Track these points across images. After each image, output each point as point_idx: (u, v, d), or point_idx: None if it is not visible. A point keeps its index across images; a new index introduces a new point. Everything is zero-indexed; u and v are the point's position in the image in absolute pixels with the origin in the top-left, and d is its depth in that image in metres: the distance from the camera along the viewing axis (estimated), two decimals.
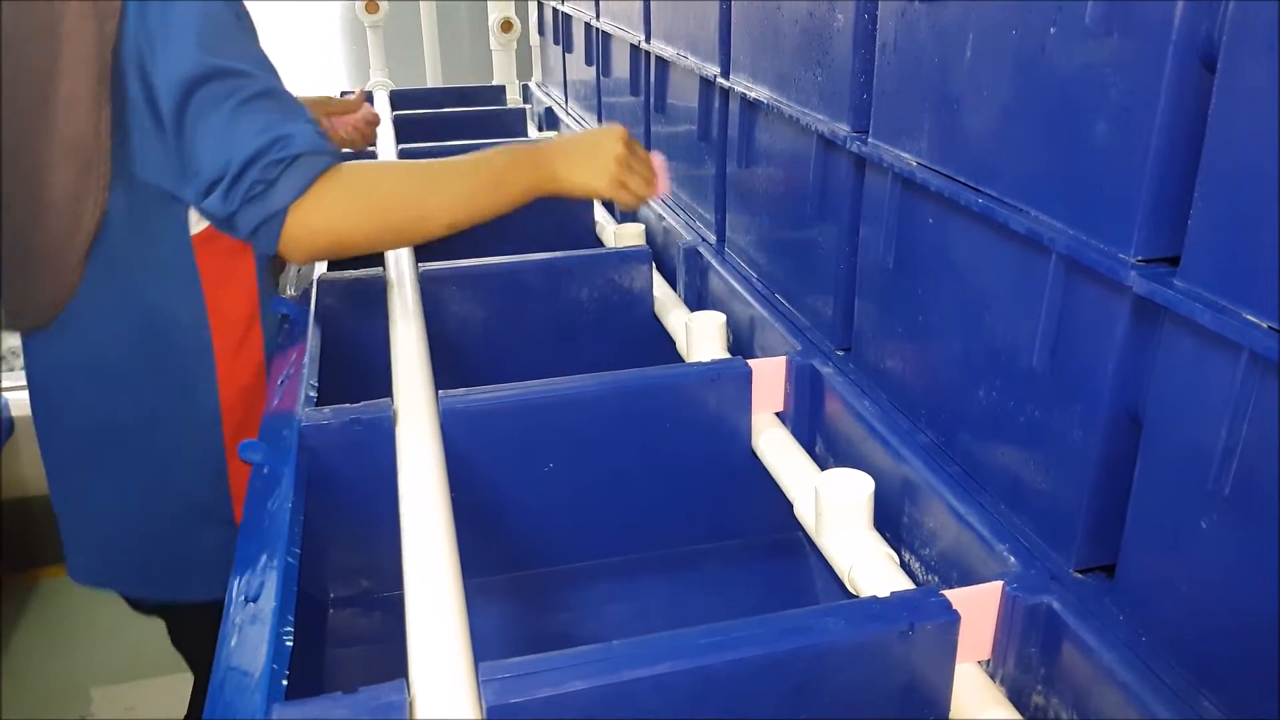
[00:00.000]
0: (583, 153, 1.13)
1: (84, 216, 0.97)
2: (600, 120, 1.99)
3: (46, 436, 1.14)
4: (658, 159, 1.19)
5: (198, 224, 1.04)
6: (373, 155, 1.74)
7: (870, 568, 0.78)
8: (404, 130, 2.04)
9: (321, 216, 0.95)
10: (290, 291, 1.33)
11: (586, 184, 1.12)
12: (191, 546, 1.13)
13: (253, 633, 0.67)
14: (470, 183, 1.05)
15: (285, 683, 0.63)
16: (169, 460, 1.10)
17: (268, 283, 1.15)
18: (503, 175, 1.07)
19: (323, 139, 0.95)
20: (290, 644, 0.66)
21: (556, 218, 1.63)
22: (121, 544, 1.14)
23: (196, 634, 1.18)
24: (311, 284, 1.28)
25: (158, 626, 1.25)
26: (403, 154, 1.77)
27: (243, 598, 0.71)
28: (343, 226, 0.97)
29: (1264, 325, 0.52)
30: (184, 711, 1.43)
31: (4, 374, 2.34)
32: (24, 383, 2.24)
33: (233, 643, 0.67)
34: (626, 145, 1.14)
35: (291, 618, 0.69)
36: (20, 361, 2.84)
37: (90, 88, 0.93)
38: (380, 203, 0.99)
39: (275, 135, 0.92)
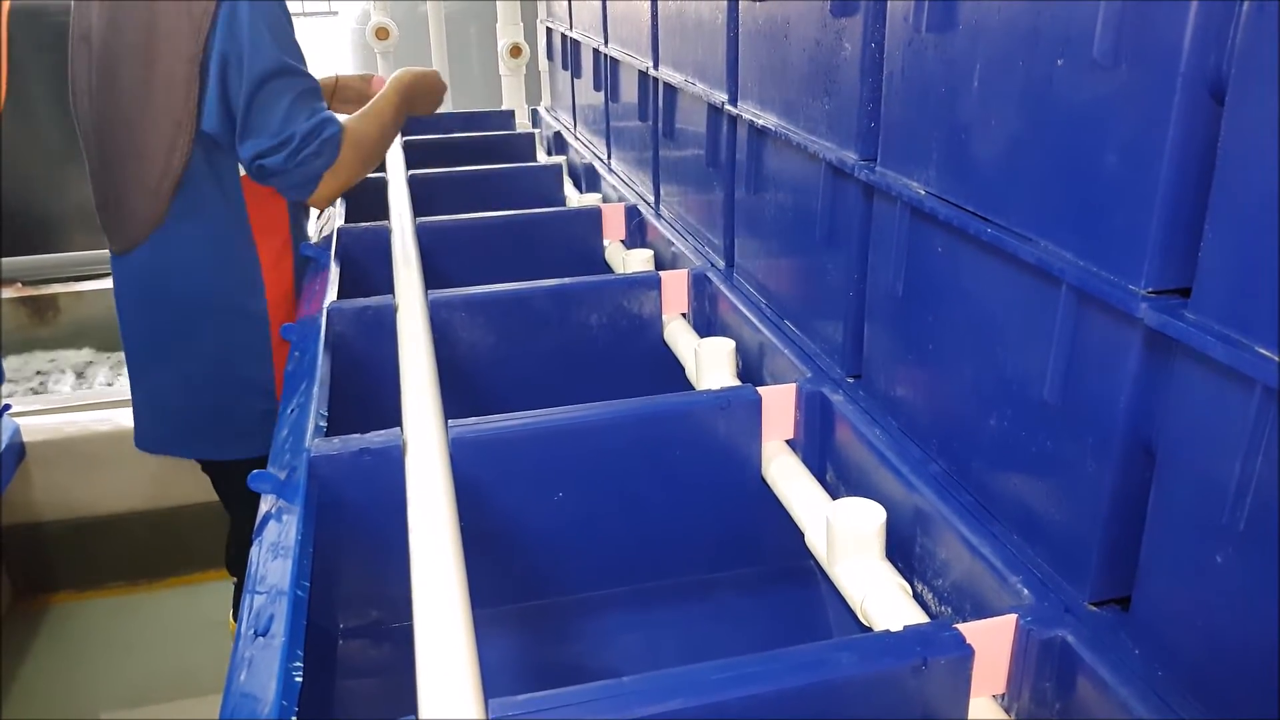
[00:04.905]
0: (430, 93, 1.71)
1: (172, 162, 1.38)
2: (609, 144, 2.00)
3: (132, 332, 1.54)
4: None
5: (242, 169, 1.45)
6: None
7: (883, 599, 0.77)
8: (414, 156, 2.04)
9: (335, 176, 1.40)
10: (314, 239, 1.68)
11: (430, 111, 1.72)
12: (241, 415, 1.52)
13: (262, 667, 0.67)
14: (392, 119, 1.54)
15: (294, 718, 0.63)
16: (230, 344, 1.49)
17: (298, 222, 1.57)
18: (400, 110, 1.57)
19: (335, 118, 1.40)
20: (300, 679, 0.66)
21: (566, 245, 1.64)
22: (188, 414, 1.55)
23: (235, 483, 1.51)
24: (333, 234, 1.61)
25: (167, 651, 1.26)
26: (412, 180, 1.78)
27: (252, 631, 0.71)
28: (345, 181, 1.43)
29: (1277, 359, 0.51)
30: None
31: (15, 399, 2.35)
32: (37, 407, 2.25)
33: (242, 676, 0.67)
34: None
35: (301, 652, 0.69)
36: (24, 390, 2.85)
37: (184, 70, 1.32)
38: (363, 156, 1.45)
39: (320, 120, 1.35)
